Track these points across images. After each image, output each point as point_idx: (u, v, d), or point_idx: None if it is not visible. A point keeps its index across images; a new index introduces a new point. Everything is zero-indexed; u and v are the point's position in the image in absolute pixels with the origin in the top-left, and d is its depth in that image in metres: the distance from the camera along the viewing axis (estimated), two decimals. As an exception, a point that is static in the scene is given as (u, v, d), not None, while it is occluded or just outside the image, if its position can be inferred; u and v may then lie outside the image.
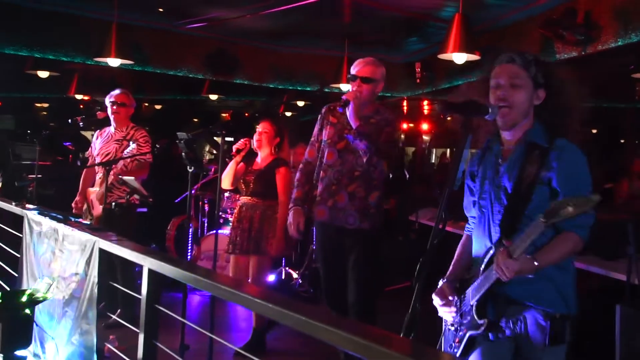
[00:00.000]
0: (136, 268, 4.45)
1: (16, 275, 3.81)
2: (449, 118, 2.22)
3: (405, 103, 8.91)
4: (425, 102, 9.22)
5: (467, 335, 2.06)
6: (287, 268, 6.15)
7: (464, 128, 1.92)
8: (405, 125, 10.68)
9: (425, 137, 10.88)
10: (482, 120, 2.12)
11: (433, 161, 15.70)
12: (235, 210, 4.35)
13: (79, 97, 10.71)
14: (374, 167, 3.43)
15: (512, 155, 2.14)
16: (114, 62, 6.43)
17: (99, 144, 4.85)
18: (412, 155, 13.47)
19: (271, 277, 6.04)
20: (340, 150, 3.53)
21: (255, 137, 4.33)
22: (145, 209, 6.37)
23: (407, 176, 9.81)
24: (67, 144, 9.64)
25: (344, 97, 3.46)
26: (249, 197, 4.30)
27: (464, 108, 1.99)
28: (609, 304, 3.29)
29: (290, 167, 4.50)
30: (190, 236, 4.97)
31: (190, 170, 3.22)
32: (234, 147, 4.25)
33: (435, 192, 8.92)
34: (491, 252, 2.07)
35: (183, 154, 3.15)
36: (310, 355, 4.29)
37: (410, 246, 6.37)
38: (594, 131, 10.03)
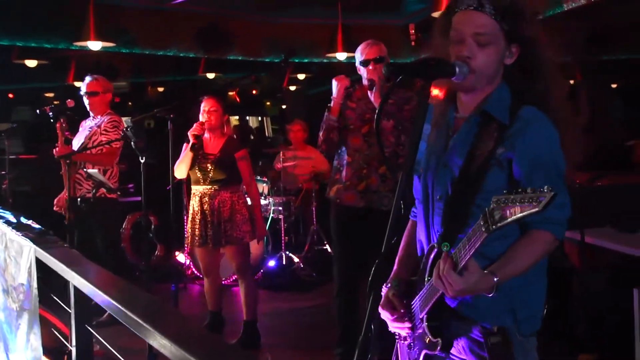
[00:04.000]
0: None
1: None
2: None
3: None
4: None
5: (423, 354, 1.64)
6: (287, 252, 5.82)
7: (422, 95, 1.51)
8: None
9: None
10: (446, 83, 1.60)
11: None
12: (195, 201, 3.97)
13: (77, 84, 10.48)
14: (402, 146, 3.37)
15: (464, 126, 1.62)
16: (94, 45, 6.09)
17: (77, 136, 4.53)
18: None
19: (271, 263, 5.75)
20: (365, 134, 3.47)
21: (204, 118, 3.94)
22: (138, 198, 6.05)
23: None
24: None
25: (367, 78, 3.37)
26: (209, 187, 3.95)
27: (422, 68, 1.51)
28: (627, 286, 2.89)
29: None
30: (151, 234, 4.60)
31: (142, 161, 2.87)
32: (190, 133, 3.88)
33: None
34: (433, 254, 1.61)
35: (132, 143, 2.80)
36: (306, 348, 4.04)
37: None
38: (614, 85, 9.46)
